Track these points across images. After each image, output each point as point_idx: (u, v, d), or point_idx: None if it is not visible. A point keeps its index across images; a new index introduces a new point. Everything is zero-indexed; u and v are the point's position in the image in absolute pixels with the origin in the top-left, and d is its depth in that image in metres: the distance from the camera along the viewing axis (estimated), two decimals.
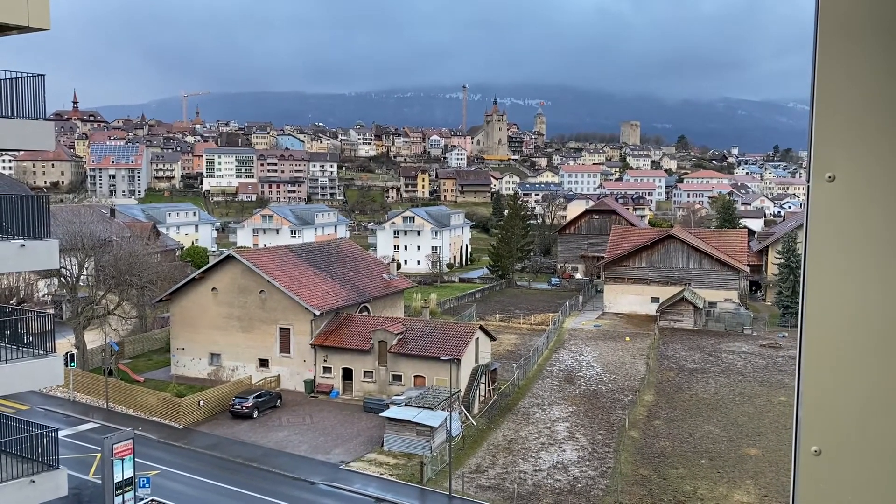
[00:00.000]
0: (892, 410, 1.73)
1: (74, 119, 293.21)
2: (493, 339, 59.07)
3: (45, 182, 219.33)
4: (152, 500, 29.04)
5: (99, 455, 38.16)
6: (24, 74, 18.82)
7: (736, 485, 39.92)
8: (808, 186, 1.83)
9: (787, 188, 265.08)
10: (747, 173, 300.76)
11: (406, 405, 46.38)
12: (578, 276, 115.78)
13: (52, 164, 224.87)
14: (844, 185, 1.78)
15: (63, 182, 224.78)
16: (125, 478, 34.84)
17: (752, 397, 55.03)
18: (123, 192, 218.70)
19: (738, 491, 39.19)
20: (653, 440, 46.37)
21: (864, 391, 1.76)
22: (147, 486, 35.88)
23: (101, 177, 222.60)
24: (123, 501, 33.59)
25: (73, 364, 53.94)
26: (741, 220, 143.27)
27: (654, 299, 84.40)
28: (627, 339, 73.15)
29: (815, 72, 1.79)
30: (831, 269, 1.79)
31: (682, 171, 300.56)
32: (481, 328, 56.84)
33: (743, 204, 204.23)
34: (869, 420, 1.75)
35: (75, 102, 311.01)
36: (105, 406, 52.04)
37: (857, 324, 1.76)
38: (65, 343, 55.28)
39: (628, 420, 49.01)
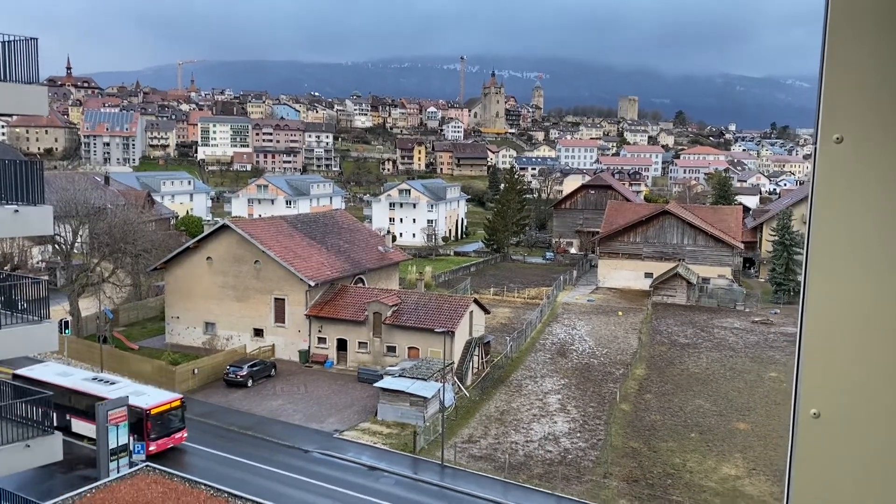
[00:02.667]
0: (891, 374, 1.75)
1: (68, 85, 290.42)
2: (487, 312, 59.33)
3: (39, 148, 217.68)
4: (147, 466, 29.28)
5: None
6: (17, 37, 18.59)
7: (725, 458, 40.44)
8: (816, 148, 1.80)
9: (784, 165, 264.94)
10: (744, 150, 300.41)
11: (400, 376, 46.70)
12: (573, 250, 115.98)
13: (46, 131, 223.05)
14: (853, 147, 1.76)
15: (57, 149, 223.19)
16: (119, 444, 35.14)
17: (742, 373, 55.53)
18: (118, 159, 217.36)
19: (727, 464, 39.71)
20: (643, 413, 46.84)
21: (864, 354, 1.77)
22: (142, 452, 36.19)
23: (95, 144, 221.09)
24: (118, 467, 33.87)
25: (67, 331, 54.11)
26: (737, 197, 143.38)
27: (648, 275, 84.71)
28: (620, 313, 73.53)
29: (825, 32, 1.77)
30: (837, 232, 1.77)
31: (679, 147, 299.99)
32: (475, 301, 57.05)
33: (739, 181, 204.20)
34: (868, 382, 1.76)
35: (69, 68, 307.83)
36: (100, 373, 52.18)
37: (861, 286, 1.76)
38: (59, 310, 55.32)
39: (619, 393, 49.45)
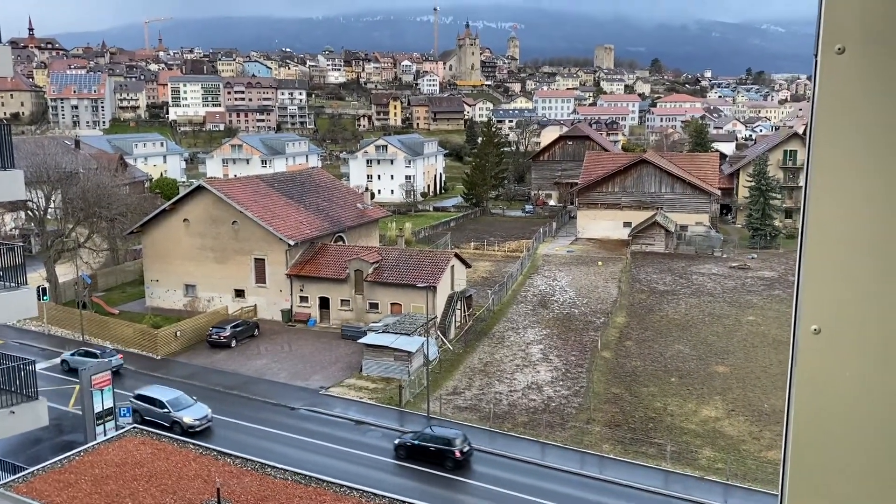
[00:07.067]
0: (891, 287, 1.73)
1: (31, 47, 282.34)
2: (468, 266, 59.54)
3: (5, 113, 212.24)
4: (134, 427, 29.39)
5: (78, 387, 38.34)
6: None
7: (704, 401, 41.35)
8: (816, 60, 1.75)
9: (759, 111, 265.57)
10: (720, 97, 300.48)
11: (383, 332, 46.96)
12: (552, 202, 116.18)
13: (11, 95, 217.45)
14: (855, 58, 1.71)
15: (23, 113, 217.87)
16: (105, 408, 35.16)
17: (721, 317, 56.46)
18: (87, 122, 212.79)
19: (707, 406, 40.63)
20: (624, 360, 47.61)
21: (865, 269, 1.75)
22: (128, 415, 36.26)
23: (63, 107, 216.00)
24: (105, 430, 33.95)
25: (45, 298, 53.59)
26: (713, 144, 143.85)
27: (627, 224, 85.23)
28: (600, 263, 74.12)
29: None
30: (838, 143, 1.74)
31: (656, 95, 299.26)
32: (456, 256, 57.20)
33: (715, 128, 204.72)
34: (869, 298, 1.75)
35: (31, 29, 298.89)
36: (81, 338, 51.94)
37: (864, 200, 1.73)
38: (36, 277, 54.71)
39: (601, 341, 50.15)
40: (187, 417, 37.42)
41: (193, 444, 28.22)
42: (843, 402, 1.79)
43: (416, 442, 34.75)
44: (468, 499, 31.90)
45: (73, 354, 46.85)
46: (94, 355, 45.79)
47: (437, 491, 32.29)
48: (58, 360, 47.45)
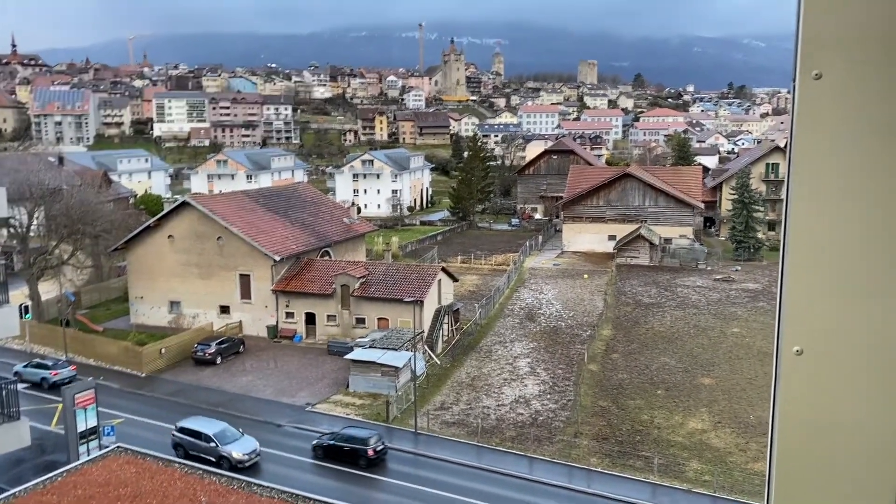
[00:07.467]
0: (873, 308, 1.74)
1: (14, 63, 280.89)
2: (455, 280, 59.56)
3: None
4: (118, 447, 29.06)
5: (60, 405, 37.89)
6: None
7: (691, 413, 41.46)
8: (794, 85, 1.78)
9: (741, 125, 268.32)
10: (702, 111, 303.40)
11: (370, 347, 46.80)
12: (538, 216, 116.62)
13: None
14: (832, 83, 1.74)
15: (6, 130, 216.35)
16: (89, 427, 34.75)
17: (706, 329, 56.73)
18: (71, 139, 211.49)
19: (693, 419, 40.74)
20: (611, 373, 47.70)
21: (847, 290, 1.76)
22: (112, 433, 35.85)
23: (46, 123, 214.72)
24: (88, 450, 33.55)
25: (28, 316, 53.13)
26: (696, 158, 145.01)
27: (612, 237, 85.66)
28: (586, 276, 74.36)
29: None
30: (817, 168, 1.77)
31: (639, 110, 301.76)
32: (443, 270, 57.21)
33: (698, 141, 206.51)
34: (851, 318, 1.76)
35: (14, 46, 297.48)
36: (64, 357, 51.40)
37: (842, 222, 1.76)
38: (18, 295, 54.10)
39: (587, 354, 50.22)
40: (236, 452, 34.76)
41: (179, 462, 27.97)
42: (826, 425, 1.80)
43: (331, 442, 35.74)
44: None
45: (25, 366, 47.04)
46: (46, 367, 46.67)
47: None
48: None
